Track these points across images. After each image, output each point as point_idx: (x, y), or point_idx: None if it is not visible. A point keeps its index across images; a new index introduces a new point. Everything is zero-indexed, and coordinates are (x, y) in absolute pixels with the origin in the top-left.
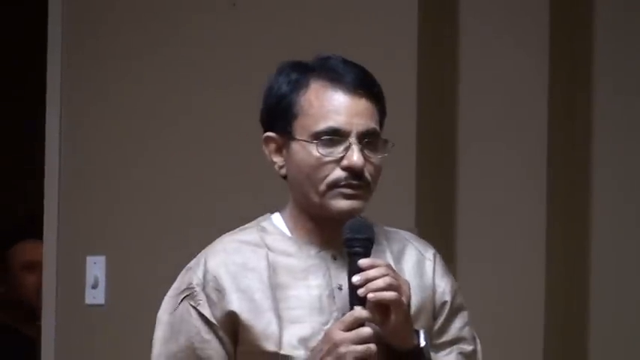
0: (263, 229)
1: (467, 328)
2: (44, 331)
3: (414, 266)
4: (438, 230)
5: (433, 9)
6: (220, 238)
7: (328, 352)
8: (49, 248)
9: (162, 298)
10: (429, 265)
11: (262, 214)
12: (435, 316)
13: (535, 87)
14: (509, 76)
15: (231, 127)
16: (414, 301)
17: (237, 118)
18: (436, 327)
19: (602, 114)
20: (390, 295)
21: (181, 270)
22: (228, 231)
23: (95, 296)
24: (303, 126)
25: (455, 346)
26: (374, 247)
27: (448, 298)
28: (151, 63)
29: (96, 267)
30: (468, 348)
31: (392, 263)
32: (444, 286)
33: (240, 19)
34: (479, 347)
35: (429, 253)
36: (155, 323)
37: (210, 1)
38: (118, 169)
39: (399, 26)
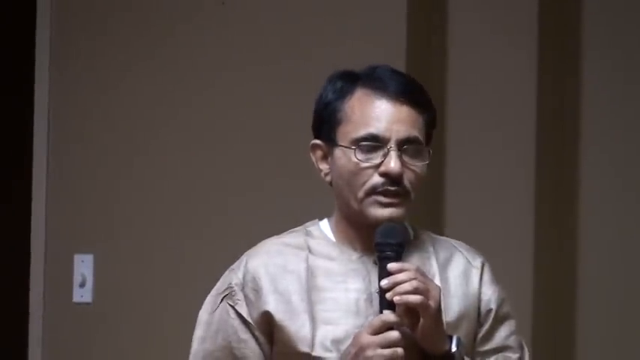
0: (309, 233)
1: (513, 337)
2: (32, 329)
3: (460, 274)
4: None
5: (422, 9)
6: (265, 240)
7: (356, 356)
8: (37, 246)
9: (151, 297)
10: (475, 273)
11: (249, 215)
12: (480, 324)
13: (524, 86)
14: (497, 75)
15: (221, 126)
16: (457, 309)
17: (227, 117)
18: (481, 334)
19: (590, 112)
20: (416, 298)
21: (168, 269)
22: (217, 231)
23: (83, 295)
24: (345, 132)
25: (500, 354)
26: (420, 254)
27: (494, 306)
28: (138, 61)
29: (83, 265)
30: (514, 356)
31: (437, 270)
32: (490, 295)
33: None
34: (526, 356)
35: (477, 261)
36: (142, 321)
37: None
38: (107, 167)
39: (388, 24)
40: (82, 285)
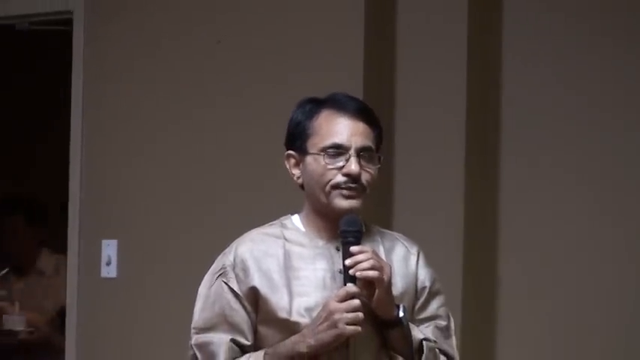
0: (284, 225)
1: (442, 308)
2: (69, 298)
3: (401, 259)
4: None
5: (375, 46)
6: (250, 231)
7: (326, 319)
8: (73, 233)
9: (163, 275)
10: (413, 258)
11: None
12: (417, 298)
13: (454, 107)
14: (432, 98)
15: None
16: (400, 286)
17: (226, 133)
18: (417, 306)
19: (511, 111)
20: (373, 273)
21: (177, 253)
22: (216, 222)
23: (109, 272)
24: (315, 143)
25: (432, 322)
26: (371, 243)
27: (427, 284)
28: (156, 86)
29: (109, 248)
30: (443, 323)
31: (384, 255)
32: (424, 275)
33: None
34: (452, 324)
35: (414, 249)
36: (156, 293)
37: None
38: (128, 171)
39: (348, 61)
40: (108, 264)
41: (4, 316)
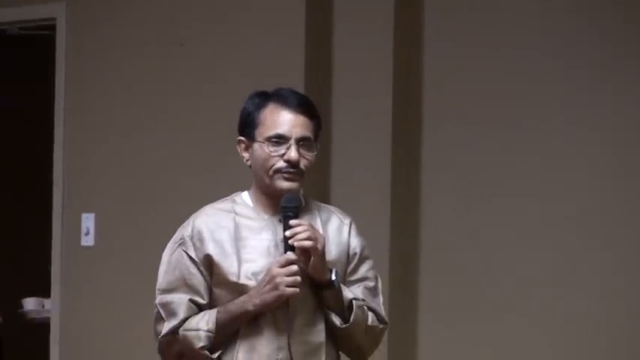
0: (234, 201)
1: (371, 271)
2: (53, 263)
3: (335, 230)
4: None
5: (315, 48)
6: (206, 206)
7: (269, 282)
8: (57, 208)
9: (132, 242)
10: (345, 229)
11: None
12: (349, 263)
13: (380, 105)
14: (363, 95)
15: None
16: (334, 253)
17: (190, 122)
18: (349, 270)
19: (432, 100)
20: (308, 243)
21: (150, 228)
22: (179, 200)
23: (87, 241)
24: (261, 132)
25: (362, 283)
26: (309, 216)
27: (358, 250)
28: (133, 73)
29: (87, 221)
30: (371, 284)
31: (320, 226)
32: (355, 243)
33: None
34: (379, 284)
35: (347, 220)
36: (127, 259)
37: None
38: (105, 155)
39: (290, 60)
40: (87, 234)
41: None
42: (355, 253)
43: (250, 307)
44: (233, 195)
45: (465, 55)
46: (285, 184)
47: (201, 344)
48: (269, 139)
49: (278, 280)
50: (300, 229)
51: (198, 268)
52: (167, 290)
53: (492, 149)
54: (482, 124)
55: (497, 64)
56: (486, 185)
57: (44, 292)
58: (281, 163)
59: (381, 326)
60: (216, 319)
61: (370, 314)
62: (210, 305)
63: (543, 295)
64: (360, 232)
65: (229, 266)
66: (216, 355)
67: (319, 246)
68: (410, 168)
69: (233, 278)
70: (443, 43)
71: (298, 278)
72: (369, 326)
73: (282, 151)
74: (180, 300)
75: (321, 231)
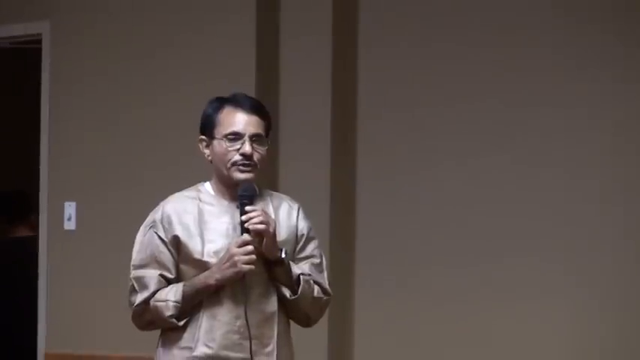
0: (198, 190)
1: (317, 250)
2: (41, 245)
3: (285, 214)
4: None
5: (265, 58)
6: (174, 194)
7: (228, 259)
8: (43, 197)
9: (109, 226)
10: (294, 213)
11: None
12: (297, 243)
13: (320, 109)
14: (302, 98)
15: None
16: (284, 235)
17: (164, 120)
18: (297, 249)
19: (367, 100)
20: (262, 227)
21: (124, 214)
22: (150, 188)
23: (69, 225)
24: (220, 131)
25: (309, 260)
26: (263, 203)
27: (305, 232)
28: (110, 75)
29: (70, 208)
30: (317, 261)
31: (272, 212)
32: (302, 225)
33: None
34: (324, 261)
35: (295, 206)
36: (105, 242)
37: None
38: (86, 149)
39: (242, 69)
40: (69, 220)
41: None
42: (303, 234)
43: (212, 282)
44: (197, 185)
45: (397, 53)
46: (241, 175)
47: (169, 313)
48: (226, 136)
49: (236, 258)
50: (254, 215)
51: (167, 247)
52: (140, 266)
53: (419, 134)
54: (412, 112)
55: (428, 62)
56: (414, 165)
57: None
58: (237, 157)
59: (326, 297)
60: (183, 291)
61: (316, 287)
62: (177, 280)
63: (472, 272)
64: (307, 216)
65: (194, 245)
66: (182, 323)
67: (271, 229)
68: (347, 157)
69: (197, 256)
70: (376, 49)
71: (253, 256)
72: (315, 297)
73: (238, 146)
74: (151, 275)
75: (272, 216)
